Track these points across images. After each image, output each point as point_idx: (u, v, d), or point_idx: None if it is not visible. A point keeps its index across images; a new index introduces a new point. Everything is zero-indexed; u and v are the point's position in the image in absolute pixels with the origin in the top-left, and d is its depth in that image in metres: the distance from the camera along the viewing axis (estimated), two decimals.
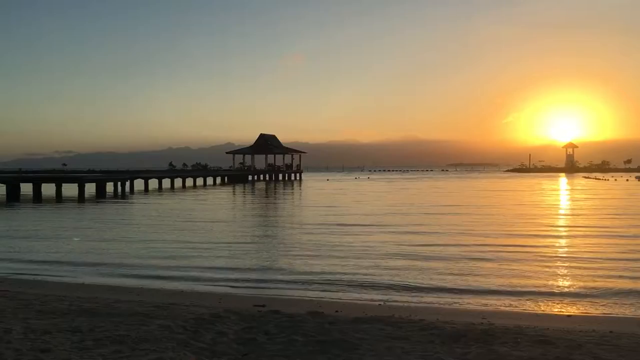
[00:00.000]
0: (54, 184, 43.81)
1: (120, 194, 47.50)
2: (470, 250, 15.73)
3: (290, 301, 9.71)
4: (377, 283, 11.49)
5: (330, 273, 12.51)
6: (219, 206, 36.41)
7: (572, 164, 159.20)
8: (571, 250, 16.31)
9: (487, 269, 12.86)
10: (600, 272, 12.42)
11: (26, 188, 43.48)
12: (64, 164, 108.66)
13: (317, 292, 10.71)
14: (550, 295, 10.51)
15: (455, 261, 13.89)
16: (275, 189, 64.41)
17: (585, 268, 13.03)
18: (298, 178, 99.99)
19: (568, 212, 31.41)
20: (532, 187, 63.25)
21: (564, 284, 11.51)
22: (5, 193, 42.10)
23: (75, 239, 17.04)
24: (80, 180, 44.24)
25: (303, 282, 11.67)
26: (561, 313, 9.21)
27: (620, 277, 11.91)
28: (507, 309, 9.43)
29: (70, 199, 40.46)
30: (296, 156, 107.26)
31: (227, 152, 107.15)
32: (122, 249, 16.70)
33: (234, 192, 57.65)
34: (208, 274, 12.70)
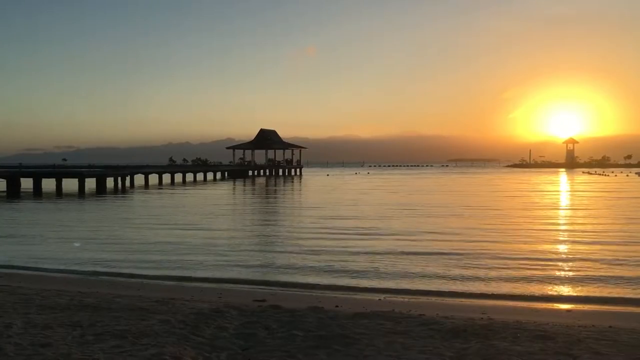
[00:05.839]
0: (54, 179, 43.84)
1: (120, 189, 47.55)
2: (471, 246, 15.74)
3: (291, 296, 9.73)
4: (376, 278, 11.51)
5: (329, 270, 12.53)
6: (219, 202, 36.41)
7: (572, 160, 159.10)
8: (571, 245, 16.32)
9: (487, 265, 12.87)
10: (600, 268, 12.43)
11: (26, 183, 43.47)
12: (64, 159, 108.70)
13: (317, 286, 10.73)
14: (550, 290, 10.52)
15: (456, 257, 13.90)
16: (275, 184, 64.39)
17: (584, 263, 13.04)
18: (298, 173, 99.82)
19: (570, 208, 31.41)
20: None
21: (564, 279, 11.52)
22: (5, 188, 42.12)
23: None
24: (80, 175, 44.24)
25: (303, 277, 11.68)
26: (561, 308, 9.23)
27: (620, 274, 11.92)
28: (507, 303, 9.45)
29: (70, 194, 40.45)
30: (296, 151, 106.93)
31: (227, 148, 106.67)
32: (123, 243, 16.74)
33: (234, 187, 57.64)
34: (208, 269, 12.72)
